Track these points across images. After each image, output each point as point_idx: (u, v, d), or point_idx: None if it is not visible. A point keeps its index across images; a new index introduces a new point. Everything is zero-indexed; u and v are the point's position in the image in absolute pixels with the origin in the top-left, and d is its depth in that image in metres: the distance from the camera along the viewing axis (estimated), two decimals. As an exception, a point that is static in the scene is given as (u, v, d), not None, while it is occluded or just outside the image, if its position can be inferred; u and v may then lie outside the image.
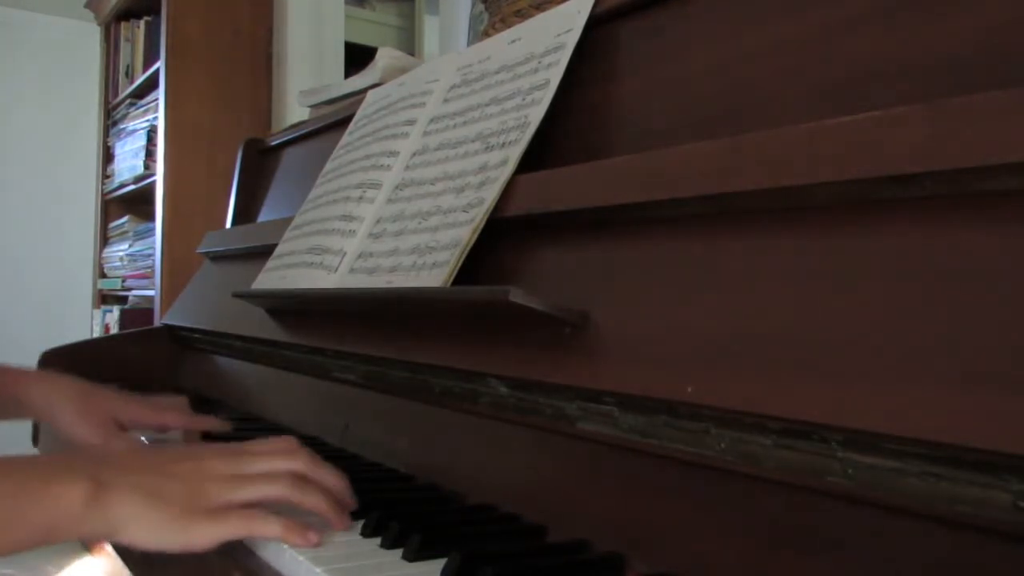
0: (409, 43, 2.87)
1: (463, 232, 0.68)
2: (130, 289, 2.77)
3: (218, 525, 0.56)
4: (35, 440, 1.23)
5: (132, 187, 2.69)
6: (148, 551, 0.56)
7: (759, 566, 0.45)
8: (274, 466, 0.61)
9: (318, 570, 0.51)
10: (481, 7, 1.15)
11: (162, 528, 0.55)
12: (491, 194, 0.67)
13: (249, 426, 0.97)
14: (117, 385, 1.23)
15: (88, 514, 0.54)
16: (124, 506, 0.55)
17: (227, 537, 0.57)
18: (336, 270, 0.84)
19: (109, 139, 2.94)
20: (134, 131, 2.67)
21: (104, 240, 2.98)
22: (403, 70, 1.15)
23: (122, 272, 2.80)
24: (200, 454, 0.61)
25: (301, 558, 0.53)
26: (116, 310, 2.75)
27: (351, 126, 1.04)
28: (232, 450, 0.62)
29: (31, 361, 1.28)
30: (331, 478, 0.62)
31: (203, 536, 0.56)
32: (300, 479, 0.60)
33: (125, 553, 0.76)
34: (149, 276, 2.55)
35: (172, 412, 0.90)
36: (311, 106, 1.48)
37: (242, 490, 0.58)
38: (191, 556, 0.61)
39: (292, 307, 0.97)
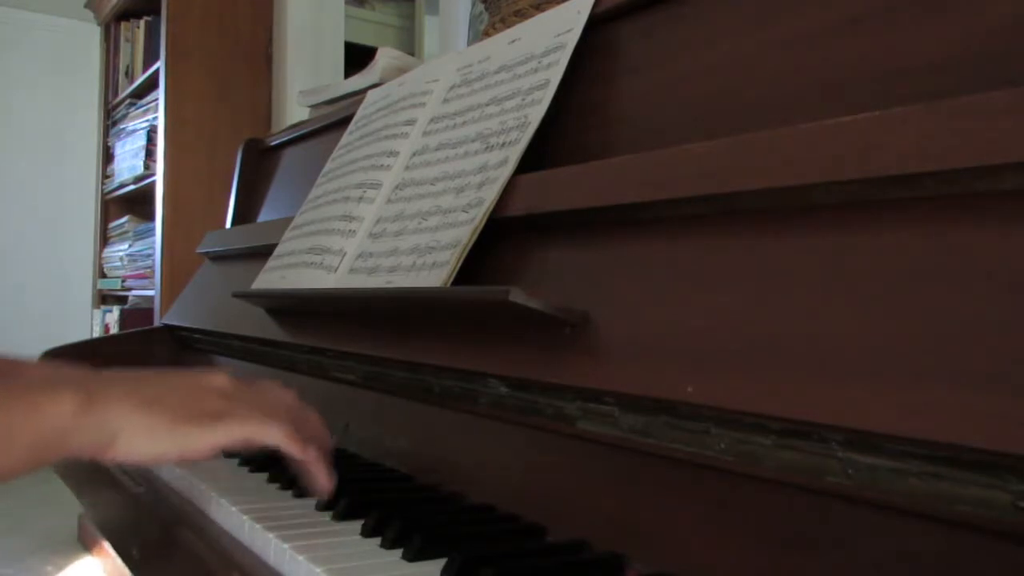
0: (409, 43, 2.87)
1: (463, 232, 0.68)
2: (130, 289, 2.77)
3: (216, 428, 0.55)
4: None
5: (132, 187, 2.69)
6: (143, 464, 0.54)
7: (759, 566, 0.44)
8: (270, 394, 0.60)
9: (318, 570, 0.51)
10: (481, 7, 1.15)
11: (158, 434, 0.53)
12: (491, 194, 0.67)
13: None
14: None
15: (80, 424, 0.52)
16: (117, 413, 0.53)
17: (225, 442, 0.55)
18: (336, 270, 0.84)
19: (109, 139, 2.95)
20: (134, 131, 2.67)
21: (104, 240, 2.98)
22: (403, 70, 1.15)
23: (122, 272, 2.80)
24: (201, 372, 0.61)
25: (301, 557, 0.53)
26: (116, 310, 2.75)
27: (351, 126, 1.04)
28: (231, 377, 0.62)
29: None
30: (321, 426, 0.62)
31: (201, 440, 0.55)
32: (296, 411, 0.60)
33: (125, 553, 0.76)
34: (149, 276, 2.55)
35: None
36: (311, 106, 1.48)
37: (238, 403, 0.58)
38: (190, 556, 0.61)
39: (292, 307, 0.97)
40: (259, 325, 1.01)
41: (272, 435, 0.57)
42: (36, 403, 0.51)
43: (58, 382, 0.54)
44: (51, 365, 0.82)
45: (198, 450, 0.55)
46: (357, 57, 2.30)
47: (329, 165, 1.03)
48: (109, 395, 0.53)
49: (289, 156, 1.37)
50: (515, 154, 0.68)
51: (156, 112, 2.43)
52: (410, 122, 0.89)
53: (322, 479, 0.59)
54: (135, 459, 0.54)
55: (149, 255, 2.55)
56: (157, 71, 2.41)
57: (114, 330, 2.69)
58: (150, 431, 0.53)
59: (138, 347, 1.37)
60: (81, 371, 0.59)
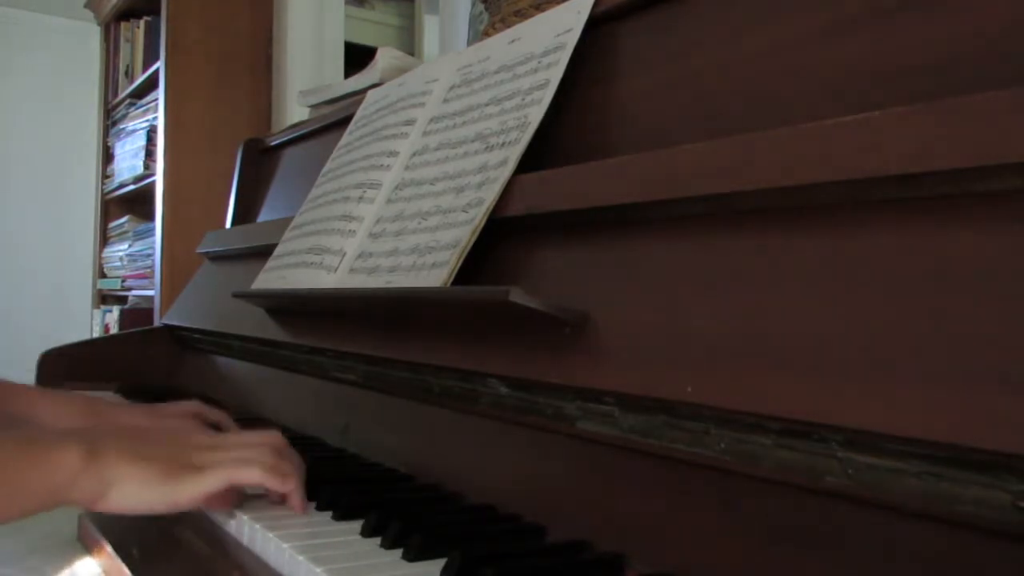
0: (409, 43, 2.87)
1: (463, 232, 0.68)
2: (130, 289, 2.77)
3: (202, 477, 0.60)
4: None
5: (132, 187, 2.69)
6: (134, 514, 0.60)
7: (759, 566, 0.44)
8: (250, 439, 0.66)
9: (318, 570, 0.51)
10: (481, 7, 1.15)
11: (150, 485, 0.59)
12: (491, 194, 0.67)
13: (249, 427, 0.97)
14: (117, 385, 1.23)
15: (83, 476, 0.57)
16: (115, 466, 0.58)
17: (211, 488, 0.60)
18: (336, 270, 0.84)
19: (109, 139, 2.95)
20: (134, 131, 2.67)
21: (104, 240, 2.98)
22: (403, 70, 1.15)
23: (122, 272, 2.80)
24: (182, 428, 0.67)
25: (301, 558, 0.53)
26: (116, 310, 2.75)
27: (351, 126, 1.04)
28: (212, 432, 0.69)
29: (32, 361, 1.28)
30: (298, 458, 0.66)
31: (188, 490, 0.60)
32: (275, 451, 0.64)
33: (125, 553, 0.76)
34: (149, 276, 2.55)
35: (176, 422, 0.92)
36: (311, 106, 1.48)
37: (221, 453, 0.63)
38: (190, 556, 0.61)
39: (292, 307, 0.97)
40: (259, 325, 1.01)
41: (252, 476, 0.62)
42: (48, 456, 0.57)
43: (64, 436, 0.60)
44: (51, 393, 0.87)
45: (189, 498, 0.60)
46: (357, 57, 2.29)
47: (329, 165, 1.03)
48: (107, 449, 0.59)
49: (289, 156, 1.37)
50: (515, 154, 0.68)
51: (156, 112, 2.43)
52: (410, 122, 0.89)
53: (299, 506, 0.64)
54: (127, 509, 0.59)
55: (149, 255, 2.55)
56: (157, 71, 2.41)
57: (114, 330, 2.69)
58: (143, 484, 0.59)
59: (138, 347, 1.37)
60: (83, 429, 0.68)
